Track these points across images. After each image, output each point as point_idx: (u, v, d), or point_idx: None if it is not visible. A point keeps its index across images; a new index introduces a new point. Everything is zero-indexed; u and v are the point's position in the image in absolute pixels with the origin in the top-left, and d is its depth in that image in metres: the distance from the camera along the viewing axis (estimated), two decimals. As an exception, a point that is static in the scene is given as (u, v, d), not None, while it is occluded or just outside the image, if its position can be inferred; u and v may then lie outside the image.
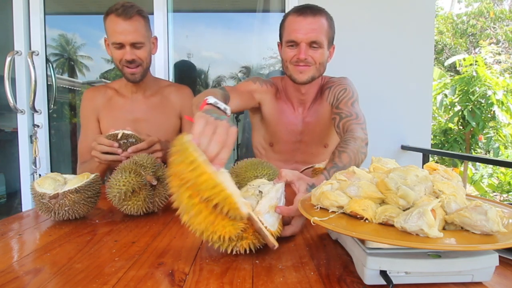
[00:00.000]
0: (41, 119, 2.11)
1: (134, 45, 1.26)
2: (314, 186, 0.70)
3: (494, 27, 10.74)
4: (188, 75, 2.84)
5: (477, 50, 10.31)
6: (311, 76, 1.21)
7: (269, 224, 0.59)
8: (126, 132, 1.05)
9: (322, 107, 1.31)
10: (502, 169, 6.04)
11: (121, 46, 1.26)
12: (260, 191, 0.65)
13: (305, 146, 1.37)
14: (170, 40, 2.23)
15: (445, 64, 8.53)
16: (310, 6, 1.20)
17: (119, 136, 1.04)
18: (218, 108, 0.76)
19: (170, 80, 2.23)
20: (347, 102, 1.23)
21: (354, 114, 1.18)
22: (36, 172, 2.10)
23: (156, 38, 1.41)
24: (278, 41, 1.28)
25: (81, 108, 1.43)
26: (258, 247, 0.58)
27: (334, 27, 1.24)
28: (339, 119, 1.18)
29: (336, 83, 1.31)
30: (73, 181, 0.79)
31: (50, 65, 2.22)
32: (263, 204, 0.60)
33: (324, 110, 1.31)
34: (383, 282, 0.45)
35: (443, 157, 6.36)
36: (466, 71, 6.03)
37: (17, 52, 2.04)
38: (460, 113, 6.01)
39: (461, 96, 5.91)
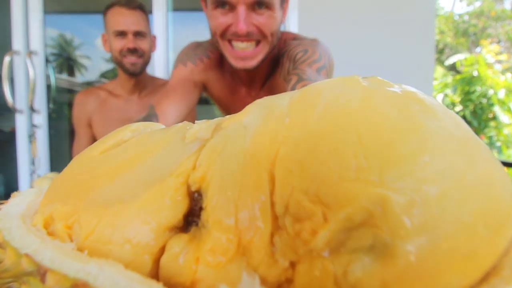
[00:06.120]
0: (40, 119, 2.10)
1: (136, 35, 1.27)
2: None
3: (495, 27, 10.73)
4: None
5: (478, 49, 10.30)
6: (261, 60, 0.81)
7: None
8: None
9: (276, 86, 0.90)
10: (503, 169, 6.03)
11: (123, 35, 1.25)
12: None
13: None
14: (170, 40, 2.22)
15: (446, 63, 8.51)
16: None
17: None
18: None
19: (169, 69, 2.23)
20: (310, 64, 0.80)
21: None
22: (35, 172, 2.09)
23: (155, 37, 1.40)
24: None
25: (73, 112, 1.42)
26: None
27: None
28: (296, 80, 0.74)
29: (293, 45, 0.85)
30: (70, 184, 0.78)
31: (50, 65, 2.21)
32: None
33: (279, 90, 0.87)
34: None
35: (444, 157, 6.34)
36: (467, 71, 6.02)
37: (16, 51, 2.03)
38: (461, 113, 6.00)
39: (462, 96, 5.90)
